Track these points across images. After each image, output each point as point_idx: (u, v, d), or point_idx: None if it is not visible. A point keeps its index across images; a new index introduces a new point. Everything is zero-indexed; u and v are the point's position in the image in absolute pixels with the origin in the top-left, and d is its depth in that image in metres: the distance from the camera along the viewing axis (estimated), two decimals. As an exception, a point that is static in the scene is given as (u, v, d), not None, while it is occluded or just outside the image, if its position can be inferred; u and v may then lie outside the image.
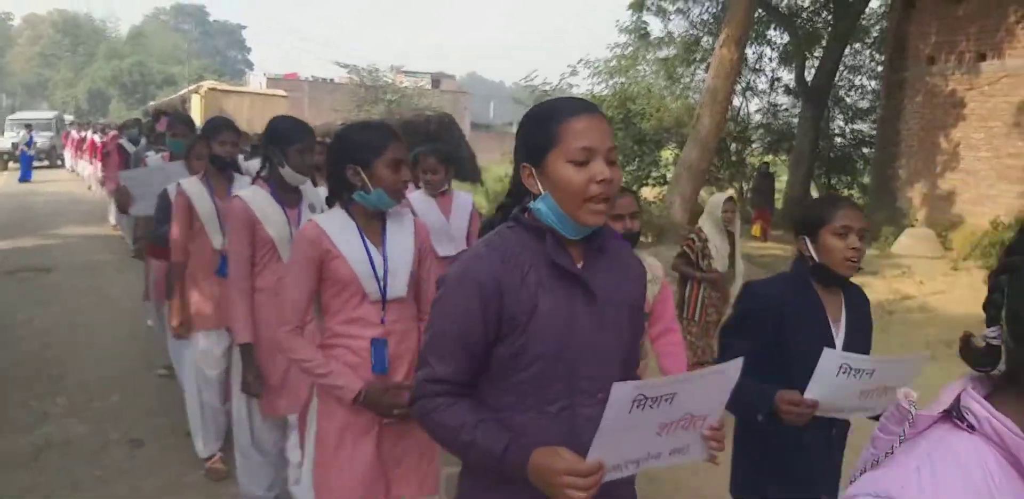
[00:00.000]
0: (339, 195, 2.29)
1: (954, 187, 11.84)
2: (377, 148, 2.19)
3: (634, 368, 1.62)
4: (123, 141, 8.52)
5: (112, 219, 11.22)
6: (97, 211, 13.41)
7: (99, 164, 14.13)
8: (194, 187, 3.54)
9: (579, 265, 1.48)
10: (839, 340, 2.10)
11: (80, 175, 20.14)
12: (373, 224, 2.30)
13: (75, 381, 5.01)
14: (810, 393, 1.89)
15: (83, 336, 6.06)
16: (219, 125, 3.62)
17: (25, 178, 20.24)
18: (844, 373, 1.86)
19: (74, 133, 21.50)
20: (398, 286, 2.27)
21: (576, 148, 1.38)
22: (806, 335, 2.06)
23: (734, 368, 1.37)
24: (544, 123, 1.43)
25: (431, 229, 2.62)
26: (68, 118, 32.65)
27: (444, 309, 1.45)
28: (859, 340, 2.14)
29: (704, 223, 4.89)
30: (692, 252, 4.79)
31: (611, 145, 1.43)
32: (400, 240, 2.33)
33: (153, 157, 5.45)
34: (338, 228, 2.24)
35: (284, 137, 2.84)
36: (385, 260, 2.26)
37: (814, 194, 17.21)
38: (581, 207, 1.40)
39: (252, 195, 2.87)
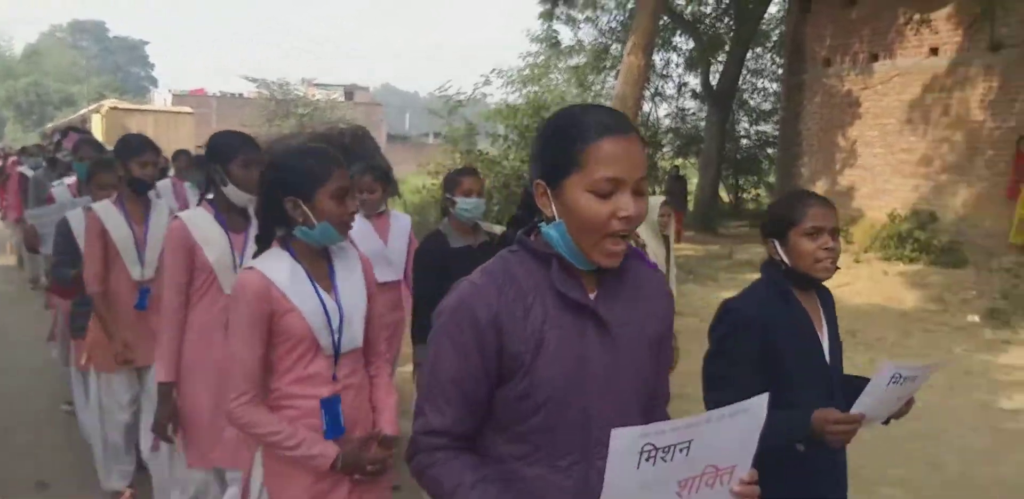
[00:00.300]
0: (272, 232, 2.02)
1: (853, 183, 12.41)
2: (319, 177, 1.93)
3: (660, 412, 1.45)
4: (23, 168, 8.15)
5: (8, 247, 10.66)
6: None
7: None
8: (107, 211, 3.26)
9: (592, 294, 1.30)
10: (825, 345, 2.00)
11: None
12: (319, 264, 2.03)
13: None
14: (860, 406, 1.79)
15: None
16: (138, 144, 3.31)
17: None
18: (895, 382, 1.78)
19: None
20: (354, 336, 2.04)
21: (602, 178, 1.21)
22: (797, 347, 1.94)
23: (759, 405, 1.15)
24: (567, 141, 1.24)
25: (368, 254, 2.40)
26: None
27: (437, 349, 1.28)
28: (836, 341, 2.05)
29: (640, 228, 4.96)
30: None
31: (642, 174, 1.24)
32: (351, 282, 2.08)
33: (60, 189, 4.95)
34: (286, 275, 1.95)
35: (223, 152, 2.64)
36: (340, 308, 2.00)
37: (723, 195, 17.78)
38: (597, 244, 1.24)
39: (193, 216, 2.67)
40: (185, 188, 5.69)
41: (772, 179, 16.57)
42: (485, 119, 16.60)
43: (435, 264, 3.27)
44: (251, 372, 1.92)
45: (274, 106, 25.71)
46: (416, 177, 17.84)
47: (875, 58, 12.03)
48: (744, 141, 18.38)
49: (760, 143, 18.21)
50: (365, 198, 3.68)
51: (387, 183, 3.81)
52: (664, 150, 18.79)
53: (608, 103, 15.28)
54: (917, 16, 10.43)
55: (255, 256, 2.03)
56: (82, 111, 24.31)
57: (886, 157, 11.85)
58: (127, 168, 3.25)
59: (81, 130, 7.48)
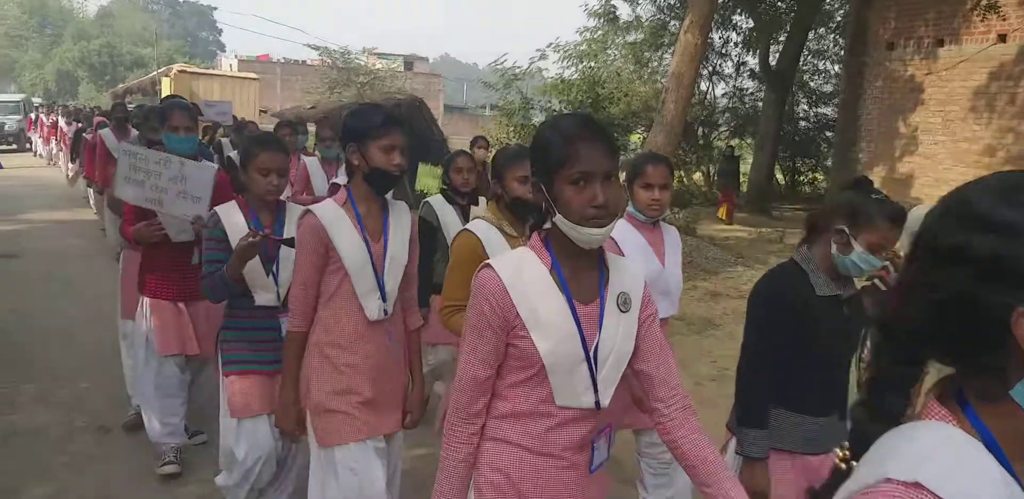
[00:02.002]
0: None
1: (912, 170, 12.15)
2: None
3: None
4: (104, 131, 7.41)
5: (93, 205, 11.04)
6: (68, 195, 13.37)
7: (67, 152, 13.96)
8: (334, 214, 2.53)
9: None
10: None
11: (50, 160, 19.84)
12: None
13: (43, 368, 5.13)
14: None
15: (51, 323, 6.15)
16: (383, 120, 2.47)
17: None
18: None
19: (43, 117, 20.92)
20: None
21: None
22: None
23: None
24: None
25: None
26: (36, 101, 32.10)
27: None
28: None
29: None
30: None
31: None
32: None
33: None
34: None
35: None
36: None
37: (779, 177, 17.53)
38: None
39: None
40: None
41: (830, 162, 16.26)
42: (540, 93, 16.65)
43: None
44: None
45: (335, 74, 26.02)
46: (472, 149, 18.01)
47: (940, 43, 11.67)
48: (802, 123, 18.01)
49: (819, 126, 17.84)
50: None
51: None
52: (720, 130, 18.56)
53: (664, 80, 15.17)
54: (985, 1, 10.08)
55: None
56: (152, 73, 24.97)
57: (948, 145, 11.56)
58: (364, 154, 2.37)
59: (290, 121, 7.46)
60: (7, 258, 8.64)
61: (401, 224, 2.56)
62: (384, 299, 2.47)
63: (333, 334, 2.45)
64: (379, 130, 2.33)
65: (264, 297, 2.89)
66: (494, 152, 3.01)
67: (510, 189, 2.79)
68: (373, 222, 2.49)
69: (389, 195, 2.57)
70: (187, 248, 3.54)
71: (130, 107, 15.13)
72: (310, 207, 2.46)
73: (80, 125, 12.49)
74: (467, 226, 2.81)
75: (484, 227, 2.74)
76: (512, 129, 15.91)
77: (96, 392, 4.72)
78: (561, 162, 1.54)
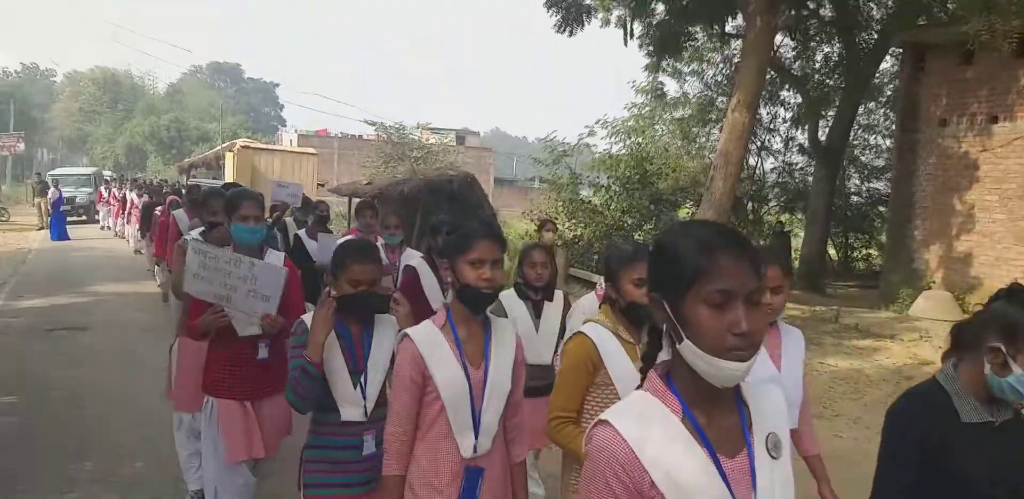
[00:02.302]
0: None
1: (970, 249, 11.90)
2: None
3: None
4: (178, 212, 7.33)
5: (157, 278, 11.35)
6: (133, 267, 13.91)
7: (136, 225, 14.54)
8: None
9: None
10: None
11: (117, 233, 20.50)
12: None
13: (104, 444, 5.25)
14: None
15: (116, 397, 6.33)
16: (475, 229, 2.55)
17: (60, 238, 19.48)
18: None
19: (113, 191, 21.57)
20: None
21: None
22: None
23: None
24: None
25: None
26: (107, 173, 33.73)
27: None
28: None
29: None
30: None
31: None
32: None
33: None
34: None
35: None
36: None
37: (832, 253, 17.30)
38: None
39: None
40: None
41: (884, 238, 16.04)
42: (589, 168, 16.94)
43: None
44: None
45: (390, 149, 26.90)
46: (522, 222, 18.29)
47: (994, 119, 11.62)
48: (854, 198, 17.90)
49: (872, 201, 17.69)
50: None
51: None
52: (770, 204, 18.53)
53: (712, 155, 15.35)
54: (1039, 79, 10.09)
55: None
56: (216, 148, 26.13)
57: (1006, 223, 11.34)
58: (455, 270, 2.30)
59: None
60: (77, 330, 8.97)
61: (504, 347, 2.38)
62: (478, 435, 2.30)
63: (428, 475, 2.28)
64: (469, 242, 2.23)
65: (351, 412, 2.70)
66: (608, 251, 2.79)
67: (624, 293, 2.57)
68: (474, 346, 2.33)
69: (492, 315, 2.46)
70: (252, 342, 3.47)
71: (194, 182, 15.79)
72: (407, 330, 2.35)
73: (151, 198, 12.99)
74: (581, 329, 2.59)
75: (599, 331, 2.54)
76: (561, 204, 16.13)
77: (154, 472, 4.80)
78: (695, 276, 1.27)
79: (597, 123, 17.49)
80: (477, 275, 2.23)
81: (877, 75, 16.24)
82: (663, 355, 1.40)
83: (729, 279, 1.26)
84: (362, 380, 2.73)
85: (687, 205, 16.11)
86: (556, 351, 3.74)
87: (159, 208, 10.90)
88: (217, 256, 3.30)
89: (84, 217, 25.72)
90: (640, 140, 17.13)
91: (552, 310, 3.94)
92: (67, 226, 20.46)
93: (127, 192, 18.76)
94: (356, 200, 16.76)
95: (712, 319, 1.26)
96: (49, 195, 20.85)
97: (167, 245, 6.96)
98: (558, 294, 4.02)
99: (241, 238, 3.53)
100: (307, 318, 2.73)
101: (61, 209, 20.49)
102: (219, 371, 3.47)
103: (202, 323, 3.38)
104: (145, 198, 14.24)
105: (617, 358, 2.47)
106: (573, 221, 15.22)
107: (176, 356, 4.33)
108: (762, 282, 1.31)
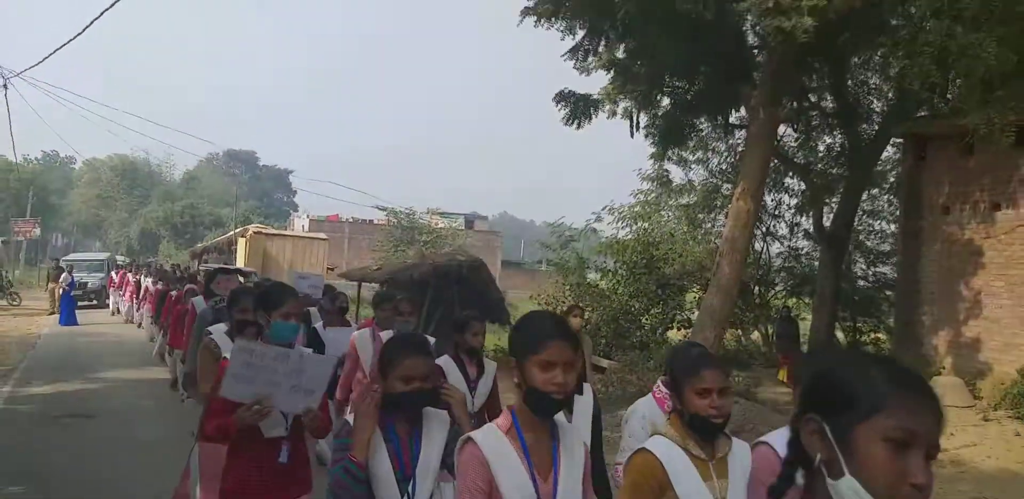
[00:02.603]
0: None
1: (978, 334, 11.87)
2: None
3: None
4: (197, 299, 7.58)
5: (164, 360, 11.37)
6: (141, 353, 13.92)
7: (150, 312, 14.55)
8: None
9: None
10: None
11: (128, 318, 20.39)
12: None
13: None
14: None
15: (120, 489, 6.24)
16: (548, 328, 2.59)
17: (68, 322, 19.40)
18: None
19: (128, 276, 21.37)
20: None
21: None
22: None
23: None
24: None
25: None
26: (119, 258, 34.18)
27: None
28: None
29: None
30: None
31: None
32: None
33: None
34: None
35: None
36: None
37: (840, 337, 17.23)
38: None
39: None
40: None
41: (892, 322, 16.00)
42: (596, 253, 17.14)
43: None
44: None
45: (400, 233, 27.38)
46: (528, 304, 18.35)
47: (997, 207, 11.83)
48: (861, 282, 17.97)
49: (878, 285, 17.76)
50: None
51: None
52: (777, 289, 18.59)
53: (718, 240, 15.55)
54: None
55: None
56: (229, 234, 26.61)
57: (1013, 309, 11.35)
58: (523, 371, 2.12)
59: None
60: (83, 418, 8.93)
61: (574, 457, 2.19)
62: None
63: None
64: (539, 343, 2.05)
65: None
66: (673, 355, 2.62)
67: (688, 403, 2.38)
68: (541, 454, 2.14)
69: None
70: (276, 444, 3.25)
71: (206, 267, 15.86)
72: (472, 434, 2.18)
73: (167, 285, 13.09)
74: (647, 445, 2.39)
75: (668, 447, 2.33)
76: (568, 287, 16.23)
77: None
78: (878, 406, 1.14)
79: (604, 209, 17.85)
80: (547, 378, 2.03)
81: (880, 163, 16.62)
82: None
83: (918, 419, 1.13)
84: (410, 489, 2.48)
85: (694, 289, 16.19)
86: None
87: (173, 293, 11.06)
88: (263, 353, 3.09)
89: (95, 302, 25.90)
90: (646, 225, 17.41)
91: (583, 405, 3.33)
92: (77, 311, 20.41)
93: (141, 277, 18.81)
94: (365, 285, 16.94)
95: (889, 461, 1.11)
96: (61, 279, 21.02)
97: (184, 334, 6.99)
98: (586, 387, 3.59)
99: (282, 336, 3.35)
100: (352, 419, 2.52)
101: (72, 294, 20.59)
102: (242, 475, 3.24)
103: (239, 419, 3.05)
104: (160, 285, 14.32)
105: (686, 478, 2.28)
106: (580, 305, 15.28)
107: (197, 461, 4.13)
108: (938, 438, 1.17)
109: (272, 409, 3.08)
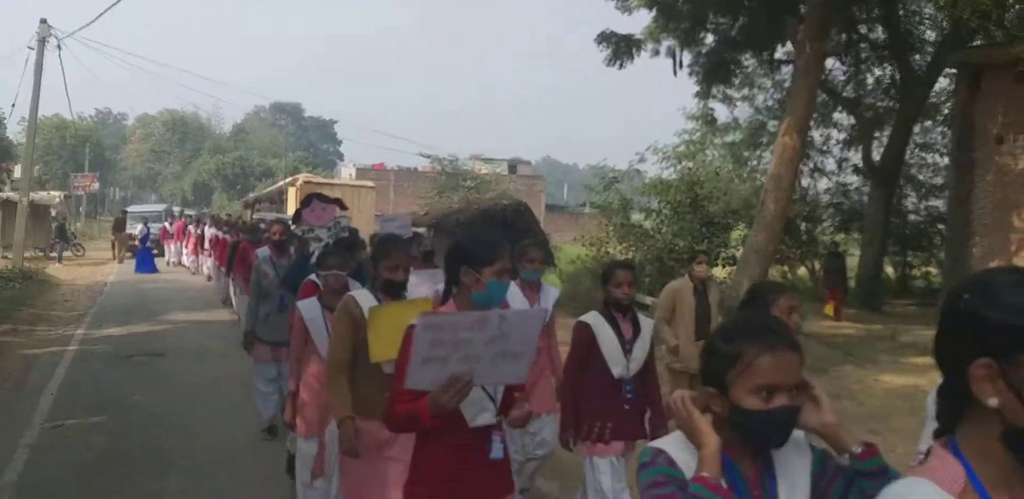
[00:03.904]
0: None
1: (1031, 265, 11.69)
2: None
3: None
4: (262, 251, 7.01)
5: (234, 303, 11.62)
6: (204, 298, 14.57)
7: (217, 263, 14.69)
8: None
9: None
10: None
11: (193, 271, 20.67)
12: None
13: (186, 462, 5.62)
14: None
15: (193, 420, 6.71)
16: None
17: (147, 270, 20.49)
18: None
19: (191, 228, 21.46)
20: None
21: None
22: None
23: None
24: None
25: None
26: (176, 209, 35.20)
27: None
28: None
29: None
30: None
31: None
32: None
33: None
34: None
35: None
36: None
37: (888, 272, 17.08)
38: None
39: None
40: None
41: (943, 255, 15.79)
42: (640, 193, 17.11)
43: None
44: None
45: (444, 180, 27.56)
46: (572, 247, 18.51)
47: (1051, 136, 11.49)
48: (912, 216, 17.67)
49: (930, 219, 17.44)
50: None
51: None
52: (824, 225, 18.39)
53: (763, 178, 15.38)
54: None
55: None
56: (279, 183, 27.11)
57: (1067, 239, 11.14)
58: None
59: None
60: (154, 356, 9.50)
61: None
62: None
63: None
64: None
65: None
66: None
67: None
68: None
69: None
70: (485, 434, 2.57)
71: (258, 216, 15.95)
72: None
73: (235, 235, 13.02)
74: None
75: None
76: (612, 228, 16.32)
77: (235, 485, 5.15)
78: None
79: (648, 149, 17.72)
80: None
81: (932, 94, 16.11)
82: None
83: None
84: None
85: (739, 227, 16.12)
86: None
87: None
88: (455, 323, 2.32)
89: (156, 251, 26.81)
90: (691, 165, 17.27)
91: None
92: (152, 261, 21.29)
93: (205, 228, 18.68)
94: (415, 229, 17.26)
95: None
96: (138, 231, 21.89)
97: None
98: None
99: (495, 298, 2.67)
100: (663, 442, 1.65)
101: (148, 245, 21.59)
102: (441, 478, 2.55)
103: (434, 405, 2.29)
104: (229, 236, 14.18)
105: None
106: (624, 245, 15.36)
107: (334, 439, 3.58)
108: None
109: (472, 385, 2.33)
